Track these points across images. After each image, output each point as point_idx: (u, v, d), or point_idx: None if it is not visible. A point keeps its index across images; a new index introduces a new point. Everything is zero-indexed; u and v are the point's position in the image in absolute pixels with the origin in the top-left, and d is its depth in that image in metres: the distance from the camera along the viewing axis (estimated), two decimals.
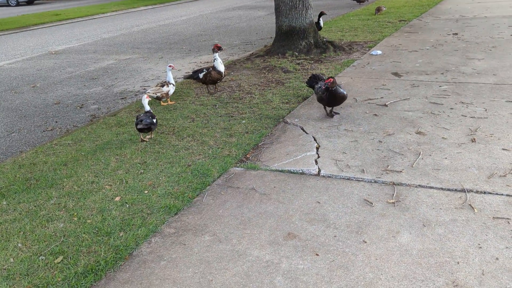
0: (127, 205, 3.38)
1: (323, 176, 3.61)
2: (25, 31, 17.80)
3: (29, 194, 3.67)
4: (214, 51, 5.98)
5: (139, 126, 4.48)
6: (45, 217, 3.29)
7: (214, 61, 5.99)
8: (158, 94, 5.68)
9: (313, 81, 5.11)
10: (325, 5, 16.78)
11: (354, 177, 3.55)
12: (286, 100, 5.56)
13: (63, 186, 3.78)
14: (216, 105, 5.64)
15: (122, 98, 7.24)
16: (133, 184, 3.70)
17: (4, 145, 5.56)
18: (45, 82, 8.83)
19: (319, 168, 3.74)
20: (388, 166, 3.68)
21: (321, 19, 9.00)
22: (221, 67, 5.98)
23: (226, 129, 4.79)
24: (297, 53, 7.61)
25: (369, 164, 3.74)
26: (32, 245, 2.96)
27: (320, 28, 8.87)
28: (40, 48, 13.07)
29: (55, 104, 7.24)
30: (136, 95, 7.38)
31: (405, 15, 11.79)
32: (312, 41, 7.80)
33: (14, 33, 17.48)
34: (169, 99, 5.99)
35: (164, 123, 5.17)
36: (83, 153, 4.46)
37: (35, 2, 33.63)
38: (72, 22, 19.76)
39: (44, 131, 6.01)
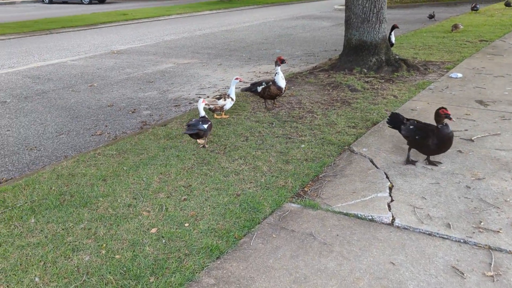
0: (164, 240, 2.90)
1: (398, 227, 2.97)
2: (93, 28, 18.22)
3: (60, 212, 3.30)
4: (276, 64, 5.47)
5: (184, 131, 4.27)
6: (71, 244, 2.89)
7: (275, 75, 5.48)
8: (211, 106, 5.29)
9: (397, 120, 4.00)
10: (394, 19, 15.88)
11: (437, 233, 2.88)
12: (353, 124, 4.93)
13: (97, 206, 3.38)
14: (273, 124, 5.11)
15: (176, 106, 6.89)
16: (173, 213, 3.24)
17: (51, 147, 5.33)
18: (102, 82, 8.71)
19: (393, 216, 3.10)
20: (481, 222, 2.98)
21: (392, 33, 8.26)
22: (282, 83, 5.46)
23: (283, 153, 4.24)
24: (366, 70, 6.94)
25: (456, 217, 3.06)
26: (50, 281, 2.55)
27: (392, 44, 8.14)
28: (103, 47, 13.17)
29: (108, 106, 7.01)
30: (191, 103, 7.01)
31: (486, 34, 10.74)
32: (383, 58, 7.10)
33: (82, 30, 17.95)
34: (223, 113, 5.59)
35: (215, 139, 4.71)
36: (125, 168, 4.07)
37: (106, 1, 34.85)
38: (138, 23, 20.07)
39: (92, 135, 5.74)
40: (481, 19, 13.73)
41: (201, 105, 4.64)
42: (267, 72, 8.93)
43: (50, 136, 5.75)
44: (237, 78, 5.45)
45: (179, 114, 6.40)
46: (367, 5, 6.85)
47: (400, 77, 6.78)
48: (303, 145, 4.38)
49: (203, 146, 4.52)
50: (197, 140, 4.60)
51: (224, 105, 5.28)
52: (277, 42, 13.00)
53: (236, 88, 5.99)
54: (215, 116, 5.54)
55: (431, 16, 15.81)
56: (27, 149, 5.29)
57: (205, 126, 4.35)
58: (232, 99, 5.35)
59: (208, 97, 7.16)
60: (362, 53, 7.09)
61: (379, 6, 6.87)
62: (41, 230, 3.08)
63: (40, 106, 7.11)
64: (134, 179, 3.81)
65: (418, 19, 16.01)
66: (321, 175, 3.78)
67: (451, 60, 7.96)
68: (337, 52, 10.92)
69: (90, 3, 32.95)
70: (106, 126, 6.08)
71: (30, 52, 12.58)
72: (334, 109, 5.49)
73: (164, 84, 8.36)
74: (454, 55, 8.43)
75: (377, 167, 3.84)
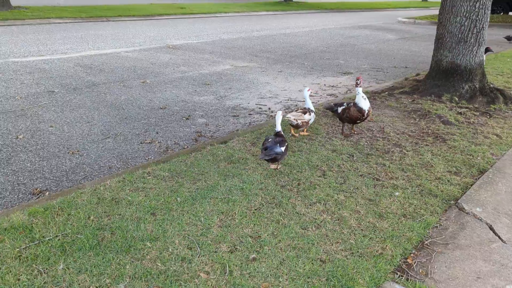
0: None
1: None
2: (149, 19, 17.91)
3: (97, 258, 2.60)
4: (357, 84, 4.64)
5: (261, 156, 3.71)
6: None
7: (356, 95, 4.64)
8: (299, 122, 4.65)
9: None
10: None
11: None
12: (454, 169, 4.01)
13: (143, 254, 2.66)
14: (353, 156, 4.27)
15: (234, 116, 6.17)
16: (239, 280, 2.47)
17: (95, 153, 4.71)
18: (156, 79, 8.12)
19: None
20: None
21: (484, 57, 7.19)
22: (364, 104, 4.61)
23: (372, 201, 3.39)
24: (457, 98, 5.94)
25: None
26: None
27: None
28: (159, 40, 12.69)
29: (161, 108, 6.37)
30: (250, 114, 6.27)
31: None
32: (477, 86, 6.08)
33: (139, 20, 17.66)
34: (305, 130, 4.98)
35: (286, 170, 3.91)
36: (178, 199, 3.34)
37: None
38: (194, 18, 19.63)
39: (141, 142, 5.09)
40: None
41: (279, 118, 4.03)
42: (332, 86, 8.08)
43: (95, 138, 5.15)
44: (309, 90, 4.94)
45: (238, 127, 5.67)
46: (466, 23, 5.86)
47: (498, 110, 5.75)
48: (397, 193, 3.52)
49: (276, 169, 3.93)
50: (270, 164, 3.96)
51: (310, 119, 4.75)
52: (340, 51, 12.10)
53: (314, 103, 5.19)
54: (294, 133, 4.91)
55: (510, 38, 14.47)
56: (68, 153, 4.68)
57: (283, 149, 3.75)
58: (314, 112, 4.87)
59: (280, 110, 6.43)
60: (454, 78, 6.09)
61: (480, 26, 5.86)
62: (70, 285, 2.38)
63: (89, 101, 6.56)
64: (189, 218, 3.07)
65: (492, 40, 14.66)
66: (427, 241, 2.91)
67: None
68: (408, 70, 9.93)
69: None
70: (157, 133, 5.42)
71: (84, 39, 12.24)
72: (427, 145, 4.58)
73: (221, 88, 7.67)
74: None
75: (503, 240, 2.93)
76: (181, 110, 6.37)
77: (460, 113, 5.52)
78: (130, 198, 3.34)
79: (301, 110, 4.78)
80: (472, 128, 5.07)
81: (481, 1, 5.73)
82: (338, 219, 3.12)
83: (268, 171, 3.87)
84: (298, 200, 3.37)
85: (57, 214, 3.06)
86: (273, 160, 3.78)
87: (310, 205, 3.32)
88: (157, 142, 5.14)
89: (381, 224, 3.07)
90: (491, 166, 4.05)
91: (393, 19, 22.95)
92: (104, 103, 6.50)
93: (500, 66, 9.48)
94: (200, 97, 7.07)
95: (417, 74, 8.37)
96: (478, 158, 4.26)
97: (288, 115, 4.69)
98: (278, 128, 4.01)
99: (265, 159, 3.78)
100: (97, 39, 12.39)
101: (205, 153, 4.31)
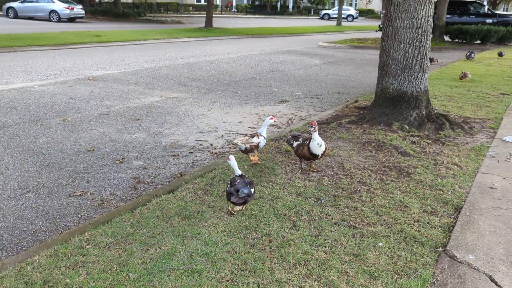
0: None
1: None
2: (63, 49, 16.65)
3: None
4: (311, 130, 4.28)
5: (233, 199, 3.39)
6: None
7: (312, 140, 4.28)
8: (247, 146, 4.58)
9: None
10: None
11: None
12: (430, 209, 3.75)
13: None
14: (320, 199, 3.87)
15: (174, 156, 5.57)
16: None
17: (14, 213, 3.89)
18: (78, 115, 7.27)
19: None
20: None
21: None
22: (317, 150, 4.28)
23: (357, 256, 2.99)
24: (407, 127, 5.84)
25: None
26: None
27: None
28: (76, 71, 11.69)
29: (88, 151, 5.61)
30: (192, 152, 5.71)
31: (500, 86, 10.04)
32: (424, 113, 6.04)
33: (51, 49, 16.34)
34: (256, 155, 4.87)
35: (252, 223, 3.41)
36: (131, 274, 2.70)
37: (77, 20, 33.15)
38: (112, 46, 18.64)
39: (70, 196, 4.33)
40: (481, 68, 13.22)
41: (233, 162, 3.64)
42: (273, 116, 7.75)
43: (11, 194, 4.30)
44: (271, 118, 4.84)
45: (180, 169, 5.09)
46: (410, 50, 5.82)
47: (448, 137, 5.72)
48: (380, 243, 3.15)
49: (240, 210, 3.63)
50: (234, 207, 3.60)
51: (259, 142, 4.68)
52: (270, 78, 11.95)
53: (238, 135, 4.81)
54: (254, 159, 4.83)
55: (431, 60, 15.31)
56: None
57: (252, 190, 3.45)
58: (264, 137, 4.77)
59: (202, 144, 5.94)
60: (401, 105, 6.01)
61: (424, 52, 5.86)
62: None
63: (0, 146, 5.61)
64: None
65: None
66: None
67: (488, 117, 7.04)
68: (342, 95, 9.94)
69: (59, 20, 31.18)
70: (87, 182, 4.68)
71: None
72: (392, 181, 4.32)
73: (154, 123, 7.03)
74: (486, 110, 7.54)
75: None
76: (112, 152, 5.64)
77: (414, 142, 5.40)
78: (68, 280, 2.64)
79: (249, 135, 4.76)
80: (431, 159, 4.93)
81: (423, 28, 5.74)
82: (327, 285, 2.67)
83: (232, 227, 3.35)
84: (275, 263, 2.88)
85: None
86: (244, 203, 3.46)
87: (289, 268, 2.84)
88: (89, 193, 4.40)
89: (376, 286, 2.67)
90: (464, 201, 3.86)
91: (314, 44, 23.58)
92: (19, 148, 5.59)
93: (431, 89, 9.80)
94: (131, 135, 6.38)
95: (356, 101, 8.34)
96: (449, 193, 4.06)
97: (236, 141, 4.63)
98: (238, 172, 3.59)
99: (233, 202, 3.42)
100: (3, 72, 11.11)
101: (152, 207, 3.68)
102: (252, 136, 4.69)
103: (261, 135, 4.73)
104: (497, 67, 13.40)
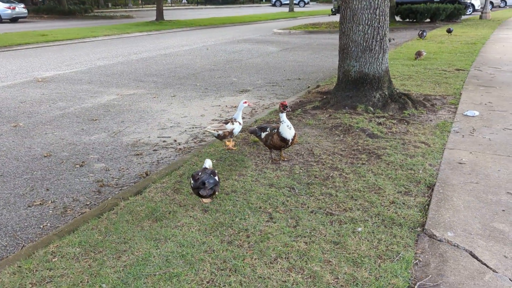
0: None
1: None
2: (6, 51, 15.78)
3: None
4: (280, 110, 4.21)
5: (203, 192, 3.36)
6: None
7: (281, 123, 4.20)
8: (220, 132, 4.60)
9: None
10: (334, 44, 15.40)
11: None
12: (404, 189, 3.74)
13: None
14: (294, 189, 3.79)
15: (137, 155, 5.35)
16: None
17: None
18: (30, 120, 6.87)
19: None
20: None
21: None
22: (287, 133, 4.19)
23: (338, 244, 2.93)
24: (372, 108, 5.85)
25: None
26: None
27: None
28: (24, 73, 11.08)
29: (45, 157, 5.29)
30: (155, 150, 5.50)
31: (455, 62, 10.30)
32: (386, 93, 6.07)
33: None
34: (232, 142, 4.84)
35: (227, 219, 3.29)
36: (104, 285, 2.52)
37: (19, 20, 31.57)
38: (60, 45, 17.84)
39: (30, 206, 4.06)
40: (434, 45, 13.53)
41: (208, 162, 3.68)
42: (234, 106, 7.62)
43: None
44: (245, 102, 4.87)
45: (145, 168, 4.88)
46: (369, 31, 5.81)
47: (412, 116, 5.77)
48: (359, 228, 3.11)
49: (211, 202, 3.60)
50: (203, 199, 3.56)
51: (233, 129, 4.63)
52: (229, 68, 11.77)
53: (199, 129, 4.67)
54: (230, 146, 4.82)
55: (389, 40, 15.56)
56: None
57: (216, 178, 3.46)
58: (240, 123, 4.72)
59: (172, 141, 5.75)
60: (364, 87, 6.00)
61: (383, 33, 5.87)
62: None
63: None
64: None
65: None
66: (416, 285, 2.52)
67: (448, 93, 7.18)
68: (302, 81, 9.91)
69: (0, 21, 29.58)
70: (47, 189, 4.40)
71: None
72: (363, 164, 4.29)
73: (112, 123, 6.74)
74: (444, 87, 7.69)
75: (493, 270, 2.65)
76: (71, 155, 5.35)
77: (380, 124, 5.41)
78: None
79: (223, 121, 4.71)
80: (399, 139, 4.94)
81: (381, 8, 5.74)
82: (311, 276, 2.59)
83: (207, 225, 3.21)
84: (255, 259, 2.77)
85: None
86: (214, 193, 3.45)
87: (270, 262, 2.74)
88: (50, 202, 4.14)
89: (360, 273, 2.62)
90: (435, 178, 3.88)
91: (269, 31, 23.48)
92: None
93: (389, 69, 9.91)
94: (90, 136, 6.08)
95: (317, 86, 8.31)
96: (420, 171, 4.07)
97: (208, 127, 4.60)
98: (207, 164, 3.67)
99: (203, 195, 3.39)
100: None
101: (120, 211, 3.49)
102: (226, 122, 4.64)
103: (236, 121, 4.67)
104: (449, 44, 13.77)
